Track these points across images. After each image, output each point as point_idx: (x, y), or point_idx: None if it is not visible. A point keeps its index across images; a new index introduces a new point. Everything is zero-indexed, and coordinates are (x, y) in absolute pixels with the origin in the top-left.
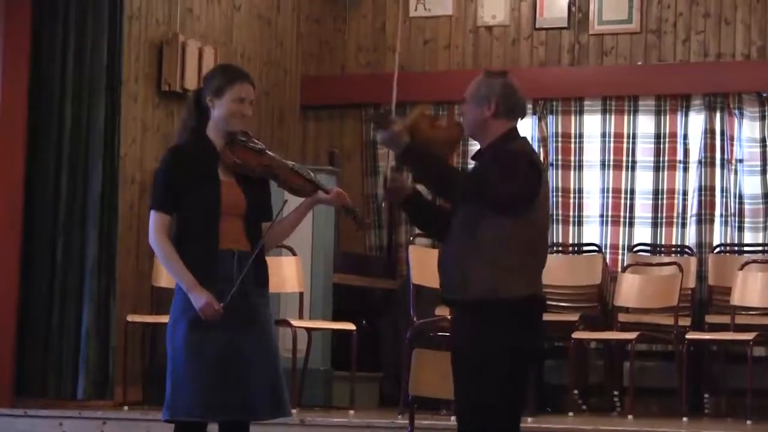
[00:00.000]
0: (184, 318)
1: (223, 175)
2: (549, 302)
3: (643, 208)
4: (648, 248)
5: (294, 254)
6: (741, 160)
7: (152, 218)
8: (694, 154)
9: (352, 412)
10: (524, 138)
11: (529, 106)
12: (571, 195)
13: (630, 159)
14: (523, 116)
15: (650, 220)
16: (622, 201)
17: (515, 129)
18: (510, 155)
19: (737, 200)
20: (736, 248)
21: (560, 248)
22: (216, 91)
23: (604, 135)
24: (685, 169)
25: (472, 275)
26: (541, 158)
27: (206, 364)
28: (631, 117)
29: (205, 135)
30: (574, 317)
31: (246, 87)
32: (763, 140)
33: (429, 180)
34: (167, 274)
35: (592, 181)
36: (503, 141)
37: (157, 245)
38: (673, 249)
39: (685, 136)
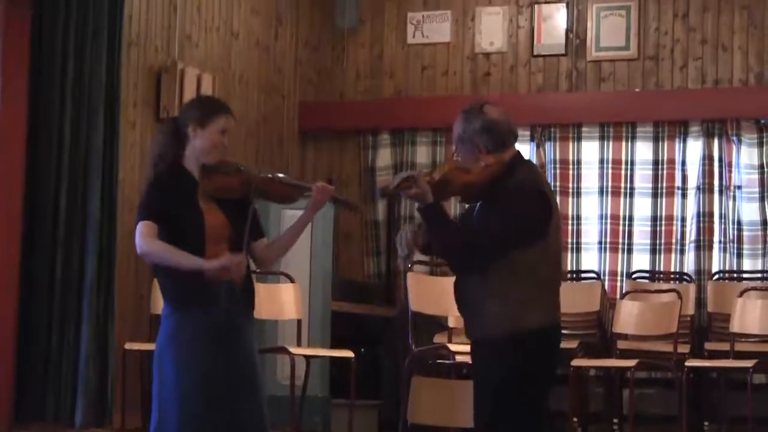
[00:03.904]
0: (170, 347)
1: (203, 203)
2: None
3: (641, 234)
4: (647, 275)
5: (292, 281)
6: (739, 187)
7: (139, 227)
8: (693, 181)
9: None
10: (527, 164)
11: (527, 132)
12: (570, 222)
13: (628, 185)
14: (515, 140)
15: (649, 247)
16: (621, 227)
17: (516, 155)
18: (505, 203)
19: (736, 227)
20: (735, 275)
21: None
22: (200, 121)
23: (602, 161)
24: (684, 196)
25: (487, 313)
26: None
27: (193, 394)
28: (629, 143)
29: (182, 165)
30: (573, 344)
31: (230, 120)
32: (761, 167)
33: (437, 242)
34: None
35: (591, 208)
36: (508, 172)
37: (149, 248)
38: (672, 276)
39: (683, 163)
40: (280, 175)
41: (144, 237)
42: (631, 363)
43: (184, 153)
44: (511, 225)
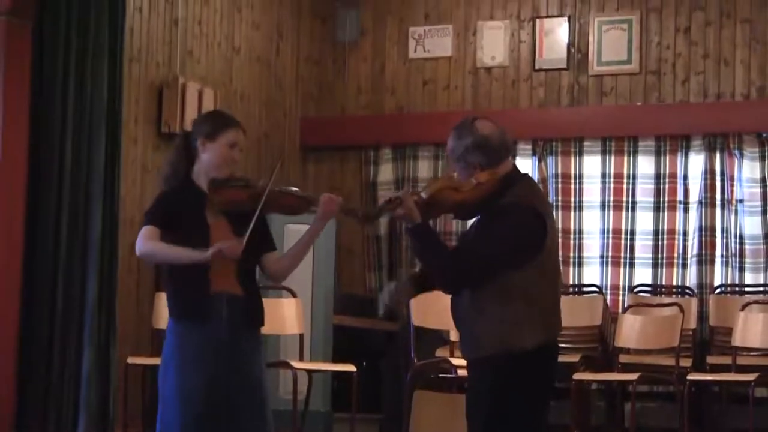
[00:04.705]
0: (173, 361)
1: (211, 217)
2: None
3: (643, 248)
4: (649, 289)
5: (294, 296)
6: (741, 201)
7: (142, 231)
8: (695, 195)
9: None
10: (524, 179)
11: (529, 146)
12: (572, 236)
13: (630, 199)
14: (511, 152)
15: (651, 261)
16: (623, 242)
17: (512, 170)
18: (497, 221)
19: (738, 241)
20: (737, 289)
21: (561, 289)
22: (209, 135)
23: (603, 176)
24: (686, 210)
25: (480, 332)
26: None
27: (196, 409)
28: (631, 157)
29: (192, 179)
30: (575, 358)
31: (239, 134)
32: (763, 180)
33: (426, 262)
34: (167, 316)
35: (593, 222)
36: (502, 188)
37: (147, 247)
38: (674, 290)
39: (685, 177)
40: (289, 188)
41: (144, 239)
42: (632, 377)
43: (194, 167)
44: (502, 245)
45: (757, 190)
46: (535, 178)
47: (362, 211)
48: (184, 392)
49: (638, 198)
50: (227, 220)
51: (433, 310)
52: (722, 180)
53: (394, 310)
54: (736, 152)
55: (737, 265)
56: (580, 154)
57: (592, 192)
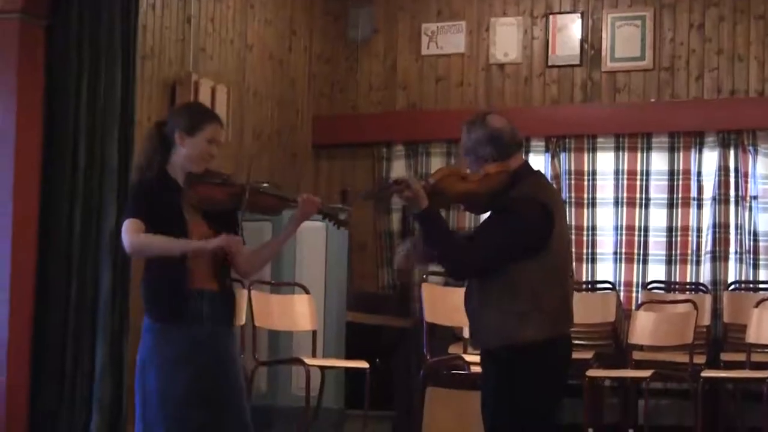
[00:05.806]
0: (153, 360)
1: (188, 213)
2: None
3: (657, 245)
4: (662, 286)
5: (307, 292)
6: (755, 197)
7: (126, 224)
8: (708, 191)
9: None
10: (535, 174)
11: (542, 143)
12: (585, 232)
13: (643, 196)
14: (520, 146)
15: (664, 258)
16: (636, 238)
17: (523, 165)
18: (503, 214)
19: (752, 237)
20: (750, 285)
21: (574, 286)
22: (189, 129)
23: (617, 172)
24: (699, 207)
25: (485, 324)
26: None
27: (180, 409)
28: (645, 154)
29: (167, 172)
30: (588, 355)
31: (218, 129)
32: None
33: (433, 248)
34: None
35: (606, 219)
36: (511, 182)
37: (140, 241)
38: (688, 286)
39: (699, 173)
40: (266, 185)
41: (132, 233)
42: (646, 373)
43: (170, 160)
44: (507, 238)
45: None
46: (548, 175)
47: (355, 197)
48: (167, 392)
49: (652, 195)
50: (203, 215)
51: (446, 306)
52: (736, 176)
53: (404, 274)
54: (750, 148)
55: (751, 261)
56: (593, 150)
57: (605, 189)
